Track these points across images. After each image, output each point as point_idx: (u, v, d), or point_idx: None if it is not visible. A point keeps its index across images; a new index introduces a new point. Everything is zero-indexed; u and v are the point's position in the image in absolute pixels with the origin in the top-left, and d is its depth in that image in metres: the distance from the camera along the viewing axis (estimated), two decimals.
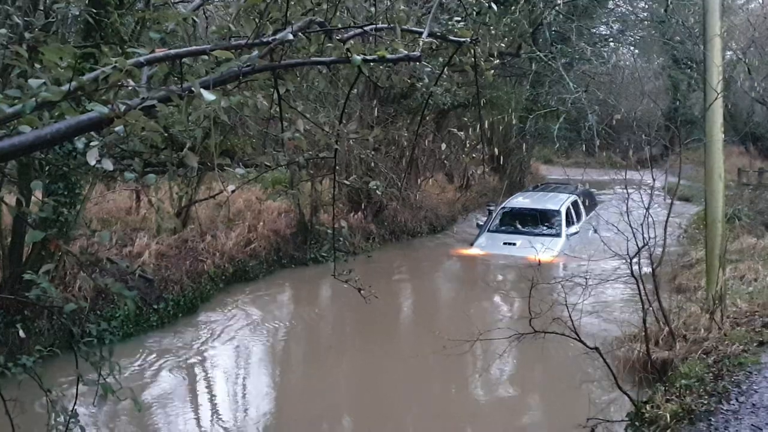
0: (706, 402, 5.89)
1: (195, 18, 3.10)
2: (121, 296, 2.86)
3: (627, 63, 23.08)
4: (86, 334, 3.03)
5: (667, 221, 8.23)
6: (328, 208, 14.45)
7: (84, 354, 3.04)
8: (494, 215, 16.59)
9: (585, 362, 8.57)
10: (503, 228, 16.20)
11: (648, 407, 6.20)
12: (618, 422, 6.65)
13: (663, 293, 8.16)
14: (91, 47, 4.51)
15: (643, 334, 7.58)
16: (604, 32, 18.94)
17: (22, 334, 5.00)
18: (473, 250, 15.45)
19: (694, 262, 12.35)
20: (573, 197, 17.38)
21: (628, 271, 7.53)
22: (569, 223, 16.11)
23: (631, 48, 22.06)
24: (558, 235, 15.64)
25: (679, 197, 13.88)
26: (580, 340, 6.69)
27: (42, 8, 7.52)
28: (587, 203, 18.12)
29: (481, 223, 16.68)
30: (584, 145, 15.55)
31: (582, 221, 16.73)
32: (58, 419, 3.35)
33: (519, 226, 16.13)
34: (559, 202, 16.89)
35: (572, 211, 16.66)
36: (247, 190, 14.53)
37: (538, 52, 13.36)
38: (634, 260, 7.42)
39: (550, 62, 13.23)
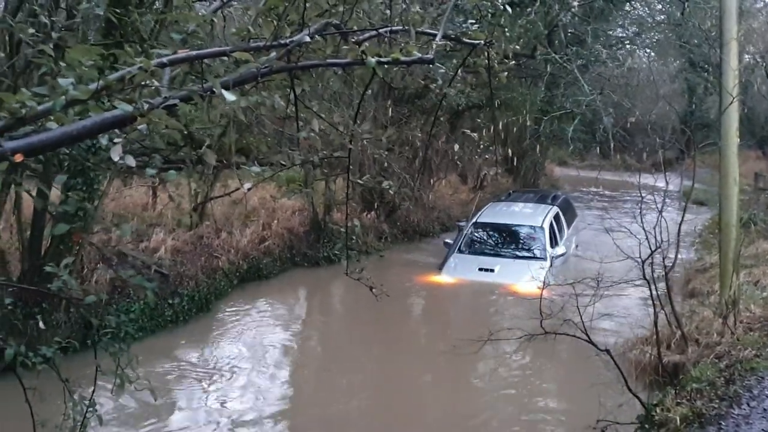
0: (716, 406, 5.90)
1: (214, 19, 3.18)
2: (141, 288, 2.95)
3: (642, 66, 23.00)
4: (105, 326, 3.13)
5: (680, 224, 8.23)
6: (341, 207, 14.54)
7: (104, 345, 3.12)
8: (465, 232, 13.93)
9: (596, 364, 8.59)
10: (476, 248, 13.63)
11: (658, 410, 6.22)
12: (628, 424, 6.67)
13: (675, 297, 8.16)
14: (112, 46, 4.61)
15: (655, 337, 7.59)
16: (620, 35, 18.89)
17: (42, 325, 5.11)
18: (442, 277, 12.74)
19: (708, 267, 12.30)
20: (554, 209, 14.80)
21: (641, 274, 7.55)
22: (553, 242, 13.64)
23: (647, 51, 22.00)
24: (541, 257, 13.09)
25: (694, 201, 13.70)
26: (591, 342, 6.71)
27: (64, 7, 7.66)
28: (567, 215, 15.62)
29: (451, 242, 13.95)
30: (599, 148, 15.35)
31: (564, 238, 14.37)
32: (75, 408, 3.44)
33: (495, 247, 13.71)
34: (540, 215, 14.33)
35: (555, 226, 14.18)
36: (261, 188, 14.63)
37: (554, 54, 13.38)
38: (647, 263, 7.44)
39: (565, 64, 13.25)
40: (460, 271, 12.69)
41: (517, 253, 13.34)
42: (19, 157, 2.13)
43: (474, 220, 14.28)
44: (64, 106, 2.13)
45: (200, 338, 9.71)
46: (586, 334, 6.69)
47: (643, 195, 8.87)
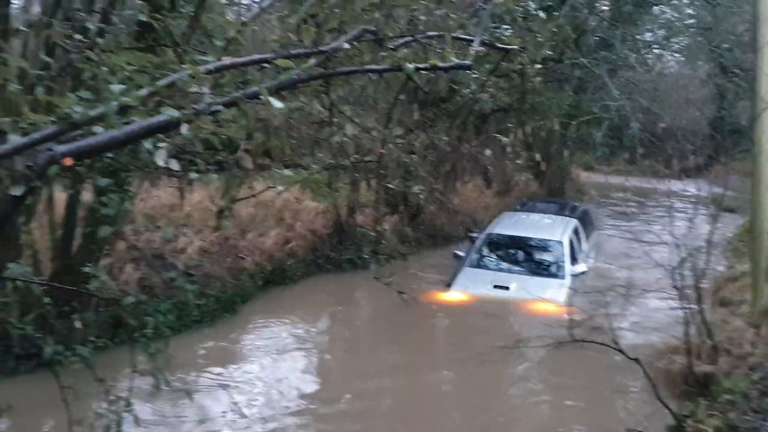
0: (751, 419, 5.81)
1: (255, 27, 3.21)
2: (183, 289, 2.99)
3: (672, 70, 22.76)
4: (143, 326, 3.18)
5: (711, 232, 8.13)
6: (364, 210, 14.54)
7: (142, 345, 3.16)
8: (477, 245, 12.86)
9: (624, 373, 8.51)
10: (490, 263, 12.55)
11: (690, 421, 6.14)
12: None
13: (706, 306, 8.06)
14: (145, 50, 4.65)
15: (685, 346, 7.50)
16: (648, 39, 18.72)
17: (78, 324, 5.19)
18: (452, 294, 11.52)
19: (739, 275, 12.10)
20: (573, 222, 13.76)
21: (671, 282, 7.47)
22: (573, 258, 12.56)
23: (676, 55, 21.77)
24: (560, 275, 11.99)
25: (725, 208, 13.50)
26: (620, 350, 6.65)
27: (98, 10, 7.76)
28: (587, 228, 14.55)
29: (462, 254, 12.81)
30: (627, 153, 15.13)
31: (584, 254, 13.39)
32: (111, 408, 3.48)
33: (510, 261, 12.59)
34: (559, 228, 13.26)
35: (575, 241, 13.11)
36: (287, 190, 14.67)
37: (581, 59, 13.29)
38: (677, 271, 7.36)
39: (593, 69, 13.16)
40: (473, 287, 11.54)
41: (535, 269, 12.28)
42: (68, 161, 2.17)
43: (488, 231, 13.28)
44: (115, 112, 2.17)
45: (226, 340, 9.77)
46: (615, 342, 6.64)
47: (672, 202, 8.81)
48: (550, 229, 13.34)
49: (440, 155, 15.33)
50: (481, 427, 7.66)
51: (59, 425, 4.72)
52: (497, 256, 12.67)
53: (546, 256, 12.54)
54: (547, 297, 10.40)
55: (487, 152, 13.62)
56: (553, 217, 14.31)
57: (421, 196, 9.80)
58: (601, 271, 12.28)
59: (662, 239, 8.23)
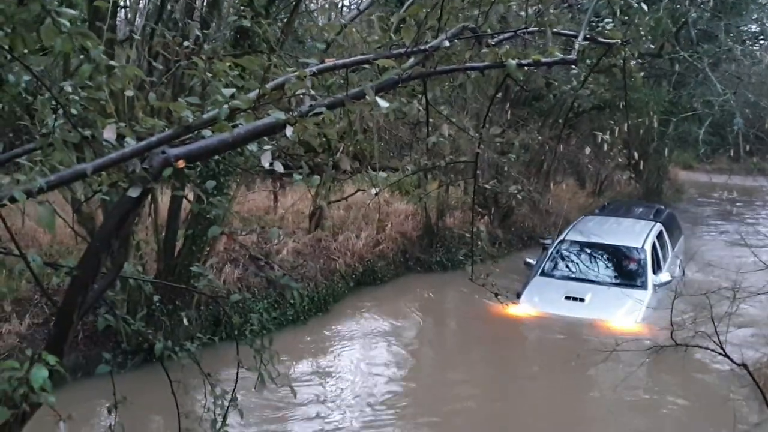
0: None
1: (355, 29, 3.25)
2: (288, 288, 3.05)
3: None
4: (248, 323, 3.29)
5: None
6: (453, 212, 14.49)
7: (248, 341, 3.25)
8: (550, 252, 12.00)
9: (729, 379, 8.14)
10: (562, 272, 11.66)
11: None
12: None
13: None
14: (242, 55, 4.79)
15: None
16: (755, 29, 17.77)
17: (185, 321, 5.44)
18: (521, 309, 10.60)
19: None
20: (657, 226, 12.79)
21: None
22: (656, 266, 11.57)
23: None
24: (642, 286, 11.02)
25: None
26: (727, 355, 6.34)
27: (198, 19, 8.08)
28: (672, 234, 13.49)
29: (532, 263, 12.07)
30: (731, 150, 14.35)
31: (668, 262, 12.37)
32: (217, 402, 3.60)
33: (585, 271, 11.65)
34: (642, 234, 12.27)
35: (658, 247, 12.16)
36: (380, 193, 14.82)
37: (682, 52, 12.76)
38: None
39: (695, 62, 12.60)
40: (544, 302, 10.68)
41: (613, 279, 11.40)
42: (181, 164, 2.26)
43: (562, 238, 12.34)
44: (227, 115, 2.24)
45: (320, 338, 9.97)
46: (721, 347, 6.34)
47: None
48: (631, 234, 12.36)
49: (533, 155, 15.08)
50: (571, 426, 7.49)
51: (167, 418, 4.92)
52: (572, 264, 11.84)
53: (626, 265, 11.66)
54: (625, 310, 9.83)
55: (587, 150, 13.07)
56: (635, 221, 13.36)
57: (519, 196, 9.59)
58: (690, 282, 10.98)
59: None
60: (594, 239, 12.09)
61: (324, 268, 11.57)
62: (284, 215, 12.75)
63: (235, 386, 3.54)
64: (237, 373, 3.52)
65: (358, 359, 9.36)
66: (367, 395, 8.24)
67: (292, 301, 10.11)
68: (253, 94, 2.30)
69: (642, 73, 4.37)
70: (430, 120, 4.13)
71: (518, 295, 10.60)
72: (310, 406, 7.89)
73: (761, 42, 17.82)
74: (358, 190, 13.27)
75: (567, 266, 11.81)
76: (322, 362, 9.28)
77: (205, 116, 2.28)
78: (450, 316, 11.35)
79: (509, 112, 12.70)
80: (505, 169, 10.76)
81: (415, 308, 11.88)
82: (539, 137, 13.55)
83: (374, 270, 12.55)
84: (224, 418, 3.50)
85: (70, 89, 2.17)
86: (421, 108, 3.37)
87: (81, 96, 2.22)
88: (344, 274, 11.88)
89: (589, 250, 11.98)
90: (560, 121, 14.29)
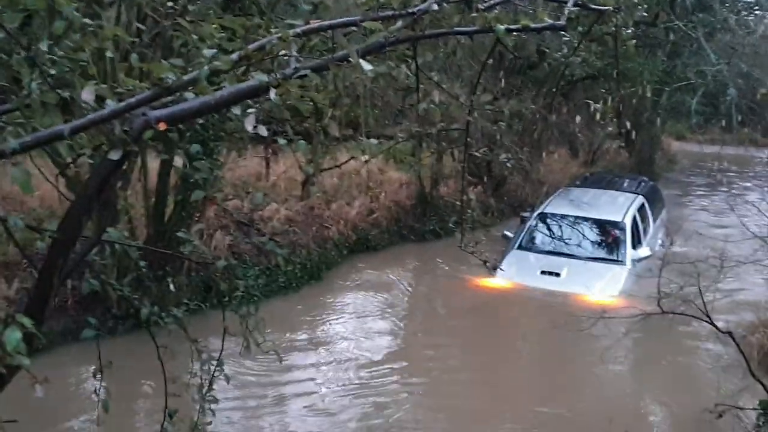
0: None
1: None
2: (273, 253, 3.05)
3: None
4: (234, 290, 3.28)
5: None
6: (447, 181, 14.47)
7: (234, 307, 3.26)
8: (528, 225, 11.77)
9: (715, 347, 8.24)
10: (539, 245, 11.48)
11: None
12: (749, 410, 6.39)
13: None
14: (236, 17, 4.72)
15: None
16: None
17: (172, 287, 5.43)
18: (496, 280, 10.41)
19: None
20: (639, 199, 12.52)
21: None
22: (636, 241, 11.38)
23: None
24: (620, 261, 10.92)
25: None
26: (712, 323, 6.44)
27: None
28: (654, 207, 13.15)
29: (511, 235, 11.81)
30: (723, 121, 14.28)
31: (649, 236, 12.11)
32: (204, 368, 3.61)
33: (563, 245, 11.44)
34: (622, 207, 11.97)
35: (639, 221, 11.87)
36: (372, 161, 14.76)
37: (677, 21, 12.67)
38: None
39: (689, 32, 12.51)
40: (519, 274, 10.47)
41: (591, 254, 11.17)
42: (162, 126, 2.23)
43: (540, 210, 12.10)
44: (207, 76, 2.20)
45: (312, 306, 10.01)
46: (707, 315, 6.42)
47: None
48: (611, 208, 12.08)
49: (526, 124, 15.01)
50: (562, 397, 7.58)
51: (156, 383, 4.94)
52: (549, 238, 11.63)
53: (605, 239, 11.47)
54: (602, 285, 9.58)
55: (578, 119, 12.92)
56: (617, 193, 13.03)
57: (508, 165, 9.52)
58: (678, 252, 10.00)
59: (760, 210, 7.85)
60: (573, 212, 11.91)
61: (317, 236, 11.57)
62: (276, 182, 12.70)
63: (221, 352, 3.54)
64: (223, 339, 3.53)
65: (350, 326, 9.42)
66: (357, 361, 8.32)
67: (283, 269, 10.12)
68: (235, 56, 2.26)
69: (634, 41, 4.32)
70: (421, 86, 4.08)
71: (494, 269, 10.13)
72: (300, 371, 7.96)
73: (756, 12, 17.69)
74: (352, 157, 13.20)
75: (544, 240, 11.64)
76: (313, 329, 9.34)
77: (185, 77, 2.25)
78: (439, 284, 11.35)
79: (503, 81, 12.59)
80: (498, 137, 10.69)
81: (407, 277, 11.94)
82: (532, 106, 13.47)
83: (368, 238, 12.57)
84: (210, 383, 3.51)
85: (45, 48, 2.13)
86: (410, 73, 3.31)
87: (58, 56, 2.18)
88: (337, 242, 11.88)
89: (567, 223, 11.76)
90: (554, 90, 14.20)
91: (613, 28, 4.33)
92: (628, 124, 11.52)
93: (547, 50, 10.79)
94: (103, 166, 2.32)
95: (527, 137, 15.35)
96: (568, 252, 11.19)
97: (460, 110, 4.45)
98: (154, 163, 9.24)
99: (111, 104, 2.17)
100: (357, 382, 7.79)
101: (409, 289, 11.30)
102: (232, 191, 11.42)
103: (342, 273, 11.41)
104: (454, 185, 14.29)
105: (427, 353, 8.86)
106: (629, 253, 10.99)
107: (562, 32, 4.49)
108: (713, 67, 12.03)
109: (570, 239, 11.55)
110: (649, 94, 13.16)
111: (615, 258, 11.03)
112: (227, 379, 3.57)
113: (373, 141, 3.21)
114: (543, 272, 10.59)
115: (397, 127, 13.86)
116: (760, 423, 6.12)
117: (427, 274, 12.13)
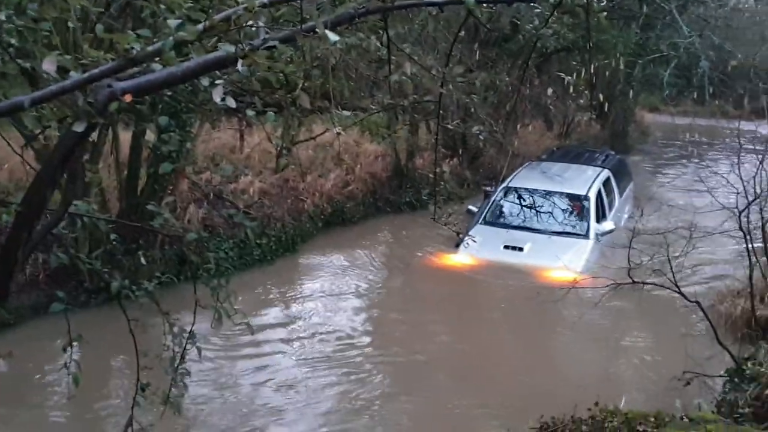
0: None
1: None
2: (231, 228, 3.04)
3: (746, 5, 21.55)
4: (205, 263, 3.28)
5: None
6: (423, 153, 14.48)
7: (204, 280, 3.26)
8: (492, 200, 11.66)
9: (684, 316, 8.40)
10: (503, 220, 11.34)
11: (749, 364, 6.04)
12: (716, 377, 6.54)
13: None
14: None
15: (749, 290, 7.35)
16: None
17: (143, 261, 5.38)
18: (459, 257, 10.38)
19: None
20: (605, 173, 12.47)
21: (736, 226, 7.27)
22: (600, 215, 11.34)
23: None
24: (584, 235, 10.86)
25: None
26: (681, 293, 6.57)
27: None
28: (620, 180, 13.10)
29: (475, 210, 11.75)
30: (695, 93, 14.41)
31: (614, 209, 12.13)
32: (176, 340, 3.61)
33: (527, 219, 11.36)
34: (587, 181, 11.94)
35: (604, 195, 11.78)
36: (344, 133, 14.69)
37: None
38: (743, 214, 7.16)
39: (662, 4, 12.56)
40: (483, 249, 10.11)
41: (554, 228, 11.09)
42: (128, 98, 2.20)
43: (505, 184, 11.99)
44: (172, 47, 2.18)
45: (286, 278, 10.04)
46: (676, 285, 6.54)
47: (742, 143, 8.47)
48: (576, 181, 12.00)
49: (501, 96, 15.01)
50: (533, 367, 7.70)
51: (128, 356, 4.94)
52: (513, 213, 11.52)
53: (569, 213, 11.42)
54: (566, 260, 9.25)
55: (549, 91, 12.94)
56: (582, 167, 12.99)
57: (481, 137, 9.50)
58: (647, 223, 11.09)
59: (729, 181, 7.97)
60: (537, 186, 11.88)
61: (292, 208, 11.54)
62: (250, 154, 12.60)
63: (193, 325, 3.54)
64: (195, 312, 3.52)
65: (324, 298, 9.45)
66: (331, 332, 8.38)
67: (256, 242, 10.11)
68: (201, 26, 2.23)
69: (605, 13, 4.33)
70: (393, 58, 4.07)
71: (457, 245, 10.02)
72: (272, 344, 8.00)
73: None
74: (326, 130, 13.12)
75: (508, 214, 11.52)
76: (286, 301, 9.38)
77: (150, 48, 2.22)
78: (410, 258, 11.36)
79: (478, 53, 12.55)
80: (472, 110, 10.67)
81: (381, 249, 11.97)
82: (507, 78, 13.47)
83: (343, 210, 12.57)
84: (182, 356, 3.52)
85: (4, 17, 2.09)
86: (381, 45, 3.30)
87: (18, 25, 2.14)
88: (312, 214, 11.87)
89: (531, 198, 11.67)
90: (527, 62, 14.20)
91: (585, 1, 4.35)
92: (601, 97, 11.59)
93: (518, 23, 10.73)
94: (67, 138, 2.29)
95: (502, 110, 15.36)
96: (531, 226, 11.14)
97: (434, 82, 4.43)
98: (126, 136, 9.13)
99: (74, 75, 2.13)
100: (329, 354, 7.84)
101: (383, 261, 11.33)
102: (205, 164, 11.32)
103: (317, 245, 11.42)
104: (430, 157, 14.31)
105: (398, 327, 8.93)
106: (593, 227, 10.98)
107: (534, 4, 4.49)
108: (686, 40, 12.10)
109: (534, 213, 11.48)
110: (622, 67, 13.22)
111: (579, 232, 10.99)
112: (199, 351, 3.58)
113: (346, 113, 3.18)
114: (506, 247, 10.51)
115: (371, 99, 13.80)
116: (726, 389, 6.26)
117: (402, 248, 12.18)
